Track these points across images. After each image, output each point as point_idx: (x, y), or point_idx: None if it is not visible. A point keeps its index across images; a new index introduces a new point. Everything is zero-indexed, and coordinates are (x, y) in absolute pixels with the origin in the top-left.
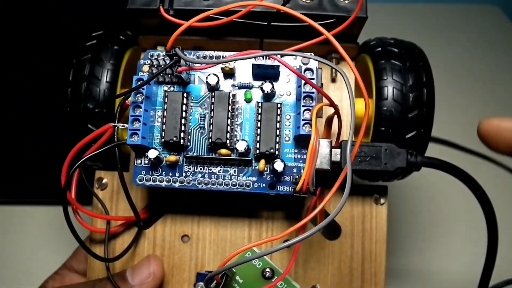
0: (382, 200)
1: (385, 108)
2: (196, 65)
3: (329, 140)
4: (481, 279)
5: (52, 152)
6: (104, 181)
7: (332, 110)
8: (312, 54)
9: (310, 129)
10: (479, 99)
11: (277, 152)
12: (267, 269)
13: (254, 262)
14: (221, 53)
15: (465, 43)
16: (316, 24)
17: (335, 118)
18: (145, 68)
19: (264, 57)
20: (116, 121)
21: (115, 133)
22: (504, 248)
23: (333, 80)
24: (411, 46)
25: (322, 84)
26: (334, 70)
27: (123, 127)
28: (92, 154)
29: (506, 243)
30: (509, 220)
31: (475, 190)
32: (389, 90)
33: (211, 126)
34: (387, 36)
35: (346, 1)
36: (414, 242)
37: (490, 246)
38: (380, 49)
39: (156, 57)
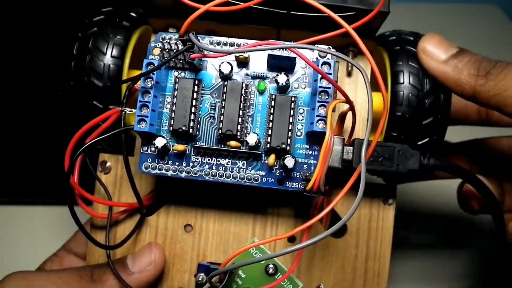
0: (390, 201)
1: (399, 113)
2: (211, 53)
3: (342, 137)
4: None
5: (52, 152)
6: (107, 164)
7: (346, 105)
8: (331, 47)
9: (324, 126)
10: None
11: (288, 148)
12: (271, 265)
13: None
14: (235, 40)
15: (464, 42)
16: (336, 16)
17: (349, 114)
18: (156, 51)
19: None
20: (124, 106)
21: (122, 118)
22: None
23: (349, 74)
24: None
25: (337, 78)
26: (350, 63)
27: (130, 112)
28: (96, 139)
29: None
30: None
31: (488, 197)
32: (405, 95)
33: (222, 116)
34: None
35: None
36: (418, 245)
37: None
38: (398, 47)
39: (168, 40)
